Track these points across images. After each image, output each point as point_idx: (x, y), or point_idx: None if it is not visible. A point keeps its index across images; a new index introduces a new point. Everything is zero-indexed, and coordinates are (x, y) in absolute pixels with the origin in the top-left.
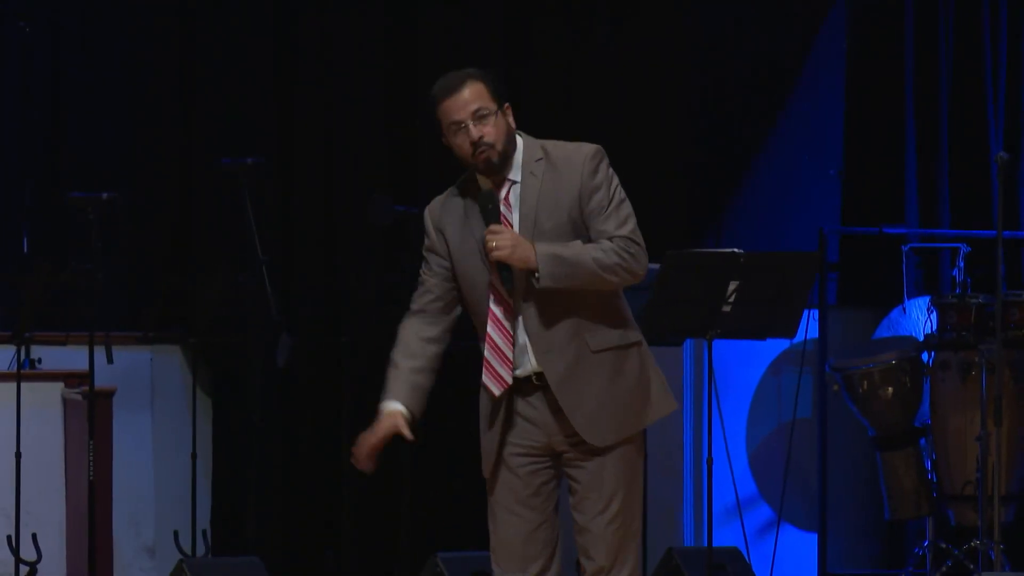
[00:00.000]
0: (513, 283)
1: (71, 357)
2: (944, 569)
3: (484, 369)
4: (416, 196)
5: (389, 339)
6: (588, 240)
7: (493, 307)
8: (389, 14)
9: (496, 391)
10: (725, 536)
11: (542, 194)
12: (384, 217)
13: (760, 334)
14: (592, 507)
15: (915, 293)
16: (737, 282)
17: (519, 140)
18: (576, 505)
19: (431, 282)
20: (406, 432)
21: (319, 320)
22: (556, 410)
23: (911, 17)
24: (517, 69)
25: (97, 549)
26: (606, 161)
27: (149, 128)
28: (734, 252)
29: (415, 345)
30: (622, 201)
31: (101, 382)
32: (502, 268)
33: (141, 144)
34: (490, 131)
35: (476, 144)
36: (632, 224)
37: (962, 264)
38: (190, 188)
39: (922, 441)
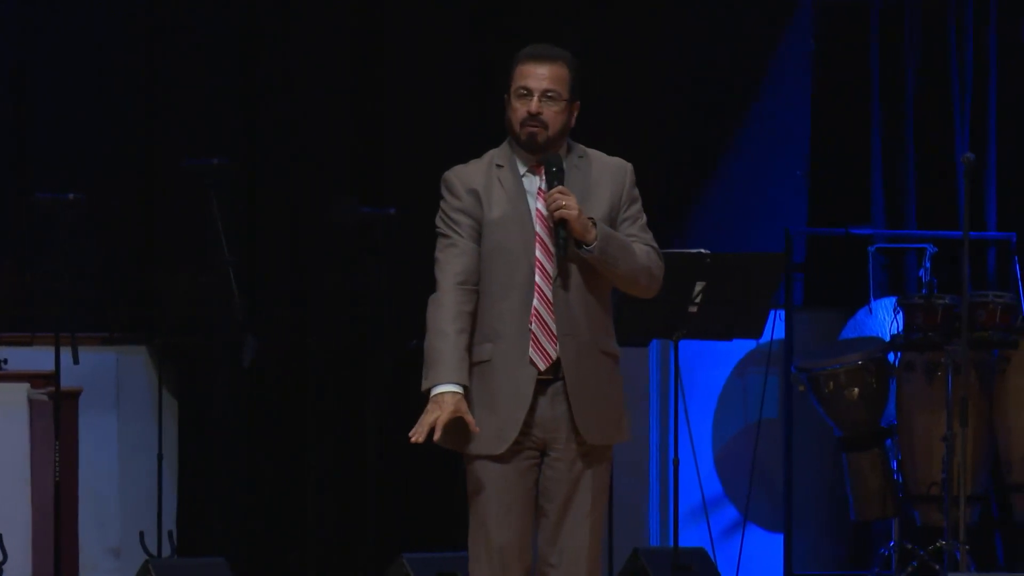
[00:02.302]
0: (568, 247)
1: (37, 358)
2: (910, 570)
3: (531, 345)
4: (382, 198)
5: (354, 340)
6: None
7: (539, 282)
8: (354, 13)
9: (542, 366)
10: (691, 537)
11: (585, 187)
12: (349, 215)
13: (726, 334)
14: (579, 506)
15: (881, 294)
16: (703, 283)
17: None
18: (556, 504)
19: (465, 244)
20: (473, 425)
21: (284, 321)
22: (564, 404)
23: (877, 18)
24: (483, 69)
25: (63, 550)
26: None
27: (115, 129)
28: (700, 253)
29: (460, 317)
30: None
31: (67, 383)
32: (559, 230)
33: (107, 145)
34: (550, 113)
35: (531, 115)
36: (656, 244)
37: (928, 265)
38: (155, 189)
39: (888, 442)
